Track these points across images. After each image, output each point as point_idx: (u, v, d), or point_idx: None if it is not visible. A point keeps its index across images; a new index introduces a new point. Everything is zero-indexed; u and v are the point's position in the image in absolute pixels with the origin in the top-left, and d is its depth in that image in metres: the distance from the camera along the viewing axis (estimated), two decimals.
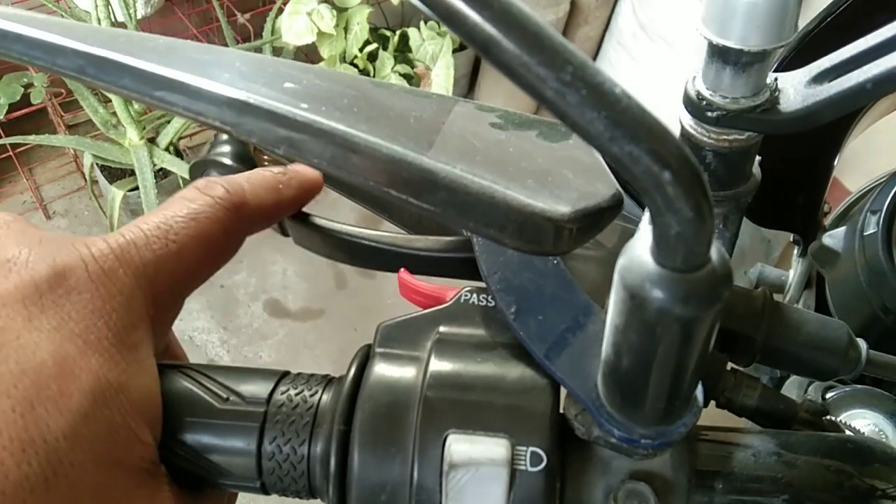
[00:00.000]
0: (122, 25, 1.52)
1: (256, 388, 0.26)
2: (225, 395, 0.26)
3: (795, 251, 0.67)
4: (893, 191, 0.52)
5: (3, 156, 1.68)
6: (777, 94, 0.28)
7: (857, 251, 0.52)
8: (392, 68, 1.76)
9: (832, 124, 0.28)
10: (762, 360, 0.31)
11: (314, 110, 0.21)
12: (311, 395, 0.26)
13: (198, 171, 0.35)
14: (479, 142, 0.23)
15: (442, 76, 1.76)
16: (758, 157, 0.33)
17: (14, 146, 1.65)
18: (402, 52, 1.80)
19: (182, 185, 1.68)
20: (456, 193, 0.20)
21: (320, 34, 1.66)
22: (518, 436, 0.23)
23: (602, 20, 2.06)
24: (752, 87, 0.28)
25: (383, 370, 0.25)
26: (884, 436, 0.49)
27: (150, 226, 0.25)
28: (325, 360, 1.65)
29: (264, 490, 0.26)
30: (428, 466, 0.23)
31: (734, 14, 0.25)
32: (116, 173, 1.70)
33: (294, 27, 1.64)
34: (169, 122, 1.62)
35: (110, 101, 1.59)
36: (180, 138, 1.73)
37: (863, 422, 0.49)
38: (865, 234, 0.52)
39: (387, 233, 0.33)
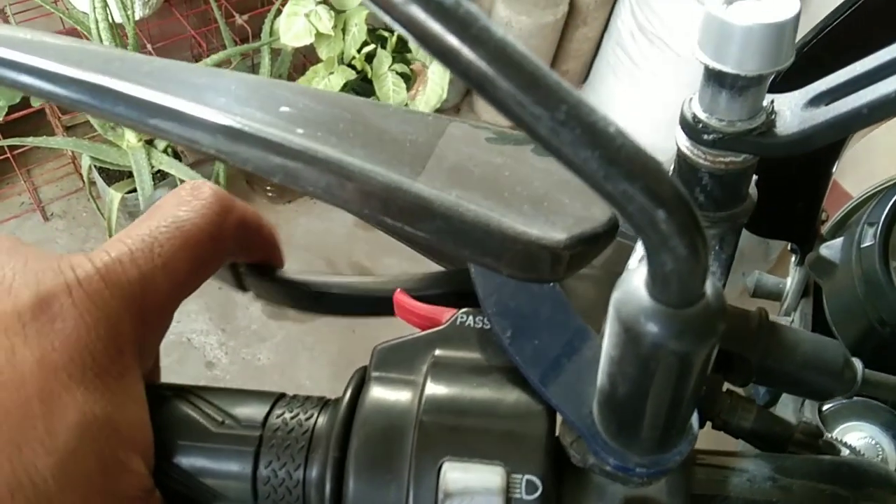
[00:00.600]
0: (120, 27, 1.52)
1: (251, 411, 0.26)
2: (220, 419, 0.26)
3: (793, 259, 0.67)
4: (890, 203, 0.52)
5: (1, 157, 1.68)
6: (773, 116, 0.28)
7: (854, 263, 0.52)
8: (389, 67, 1.75)
9: None
10: (758, 380, 0.31)
11: (310, 136, 0.21)
12: (307, 419, 0.26)
13: None
14: (475, 165, 0.23)
15: (438, 73, 1.76)
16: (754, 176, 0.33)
17: (12, 148, 1.64)
18: (401, 52, 1.80)
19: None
20: (451, 221, 0.19)
21: (318, 35, 1.66)
22: (513, 463, 0.23)
23: (601, 21, 2.06)
24: (748, 111, 0.27)
25: (379, 394, 0.25)
26: (880, 448, 0.49)
27: (135, 240, 0.24)
28: (324, 361, 1.65)
29: None
30: (423, 495, 0.23)
31: (730, 39, 0.25)
32: (114, 175, 1.70)
33: (292, 28, 1.64)
34: None
35: None
36: None
37: (859, 434, 0.49)
38: (862, 246, 0.52)
39: (359, 278, 0.33)
